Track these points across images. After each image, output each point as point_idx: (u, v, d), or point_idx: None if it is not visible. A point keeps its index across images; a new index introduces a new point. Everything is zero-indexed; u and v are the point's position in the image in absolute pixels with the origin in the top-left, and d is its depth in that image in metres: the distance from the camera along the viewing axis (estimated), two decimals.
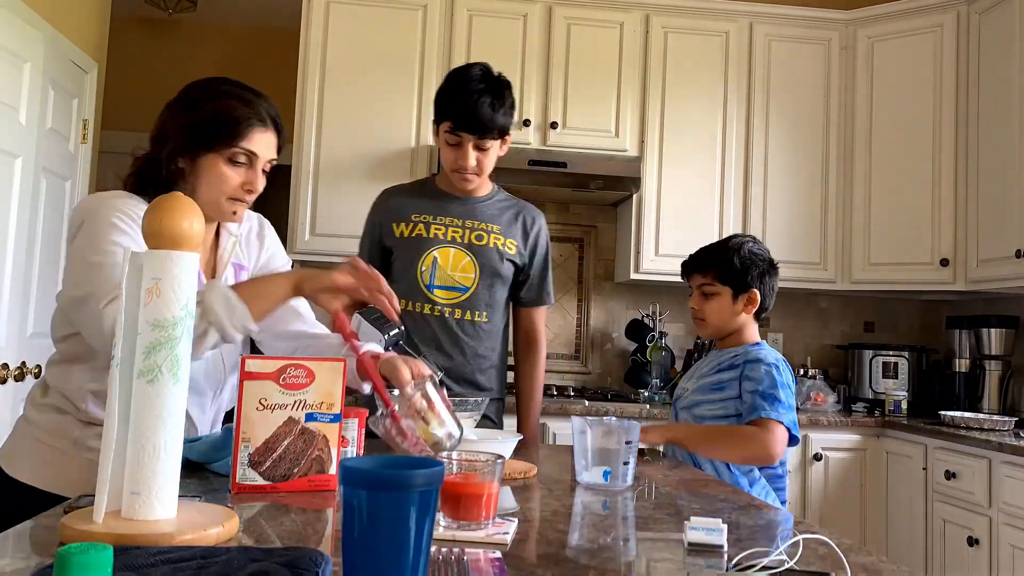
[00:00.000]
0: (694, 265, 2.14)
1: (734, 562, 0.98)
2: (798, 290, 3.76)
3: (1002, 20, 3.25)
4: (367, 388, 1.46)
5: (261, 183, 1.53)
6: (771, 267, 2.10)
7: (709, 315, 2.09)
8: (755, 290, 2.06)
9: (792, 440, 1.92)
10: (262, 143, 1.50)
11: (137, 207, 1.44)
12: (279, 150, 1.55)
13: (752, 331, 2.10)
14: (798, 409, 3.40)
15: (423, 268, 2.16)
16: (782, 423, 1.88)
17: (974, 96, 3.38)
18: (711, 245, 2.16)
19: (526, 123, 3.47)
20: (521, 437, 1.69)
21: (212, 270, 1.59)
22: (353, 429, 1.43)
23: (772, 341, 3.91)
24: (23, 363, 2.85)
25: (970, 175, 3.37)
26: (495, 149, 2.14)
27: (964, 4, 3.45)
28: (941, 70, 3.48)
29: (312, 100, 3.42)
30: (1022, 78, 3.11)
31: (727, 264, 2.06)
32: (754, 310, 2.08)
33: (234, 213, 1.52)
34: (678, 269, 3.47)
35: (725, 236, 2.17)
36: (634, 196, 3.54)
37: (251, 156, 1.49)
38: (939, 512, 2.99)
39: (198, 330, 1.26)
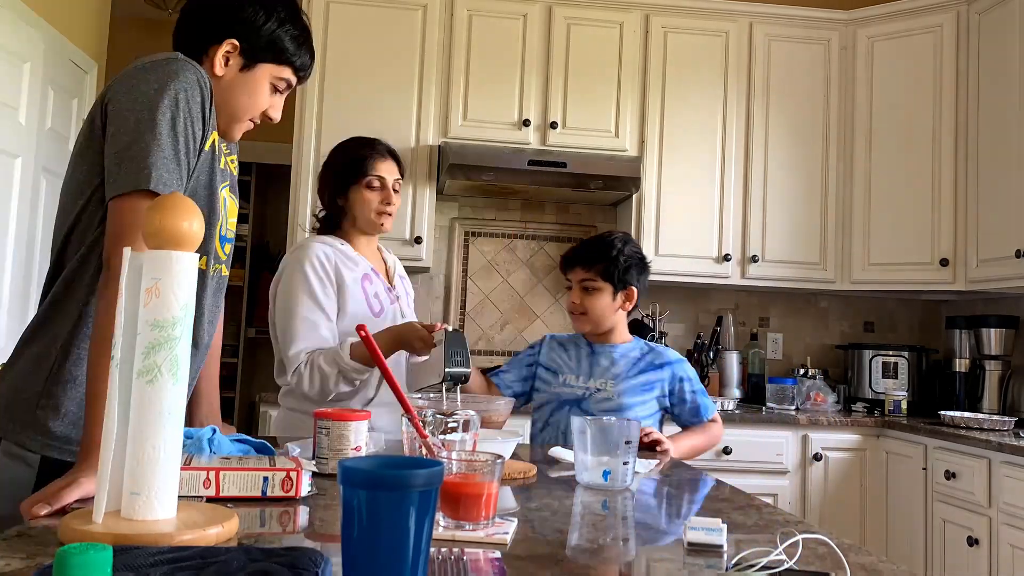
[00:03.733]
0: (578, 260, 2.19)
1: (734, 562, 0.98)
2: (798, 290, 3.76)
3: (1002, 20, 3.25)
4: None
5: (396, 199, 2.10)
6: (646, 266, 2.22)
7: (593, 311, 2.16)
8: (633, 287, 2.16)
9: None
10: (384, 169, 2.08)
11: (321, 246, 2.04)
12: (401, 173, 2.14)
13: (625, 326, 2.24)
14: (798, 409, 3.43)
15: None
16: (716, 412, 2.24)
17: (974, 96, 3.38)
18: (592, 240, 2.23)
19: (526, 123, 3.48)
20: (521, 437, 1.70)
21: (387, 275, 2.16)
22: (363, 432, 1.44)
23: (772, 341, 3.91)
24: None
25: (970, 175, 3.37)
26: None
27: (964, 4, 3.45)
28: (941, 70, 3.48)
29: (312, 100, 3.42)
30: (1022, 78, 3.11)
31: (611, 261, 2.14)
32: (631, 307, 2.19)
33: (382, 224, 2.09)
34: (678, 269, 3.53)
35: (602, 234, 2.25)
36: (634, 196, 3.54)
37: (381, 180, 2.07)
38: (939, 512, 2.99)
39: (342, 384, 1.93)
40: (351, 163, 2.06)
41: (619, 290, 2.16)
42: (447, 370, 1.77)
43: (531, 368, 2.28)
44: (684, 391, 2.18)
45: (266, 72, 1.47)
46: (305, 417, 1.95)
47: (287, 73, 1.49)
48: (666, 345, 3.66)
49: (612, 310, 2.18)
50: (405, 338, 1.91)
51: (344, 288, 2.00)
